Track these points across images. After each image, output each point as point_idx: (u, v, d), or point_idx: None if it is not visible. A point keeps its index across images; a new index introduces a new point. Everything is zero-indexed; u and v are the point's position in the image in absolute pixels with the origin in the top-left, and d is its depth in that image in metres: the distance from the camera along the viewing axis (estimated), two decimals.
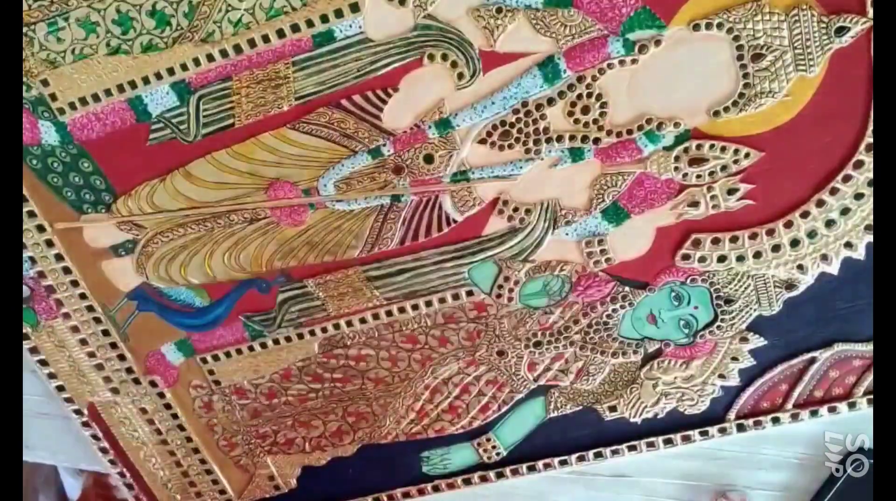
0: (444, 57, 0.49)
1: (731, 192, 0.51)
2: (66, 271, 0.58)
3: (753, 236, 0.52)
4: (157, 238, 0.56)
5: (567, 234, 0.54)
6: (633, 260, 0.54)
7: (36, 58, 0.51)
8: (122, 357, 0.61)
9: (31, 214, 0.56)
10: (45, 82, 0.51)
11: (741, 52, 0.47)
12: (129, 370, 0.62)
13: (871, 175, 0.49)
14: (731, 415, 0.59)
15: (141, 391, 0.63)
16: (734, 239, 0.53)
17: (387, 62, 0.50)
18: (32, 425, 0.67)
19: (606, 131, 0.51)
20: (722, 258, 0.53)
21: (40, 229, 0.56)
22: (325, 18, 0.48)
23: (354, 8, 0.48)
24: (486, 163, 0.52)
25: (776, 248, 0.52)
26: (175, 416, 0.64)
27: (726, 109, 0.49)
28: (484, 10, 0.48)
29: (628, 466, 0.62)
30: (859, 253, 0.52)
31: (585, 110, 0.50)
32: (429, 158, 0.52)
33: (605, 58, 0.49)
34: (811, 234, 0.52)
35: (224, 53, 0.50)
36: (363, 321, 0.58)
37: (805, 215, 0.51)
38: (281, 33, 0.49)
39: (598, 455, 0.61)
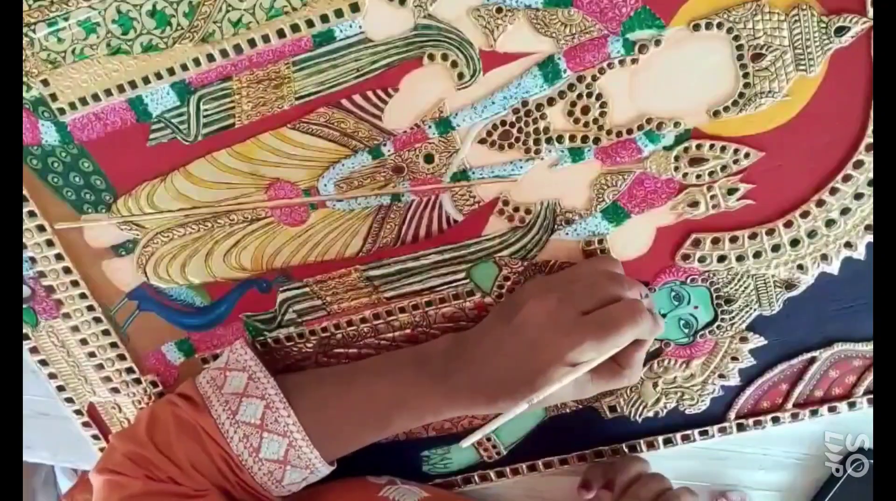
0: (445, 57, 0.49)
1: (731, 192, 0.51)
2: (67, 271, 0.58)
3: (753, 236, 0.52)
4: (157, 238, 0.56)
5: (567, 234, 0.54)
6: (633, 260, 0.54)
7: (36, 58, 0.51)
8: (122, 357, 0.61)
9: (32, 214, 0.56)
10: (45, 82, 0.51)
11: (741, 51, 0.47)
12: (130, 370, 0.62)
13: (871, 175, 0.49)
14: (731, 415, 0.59)
15: (141, 390, 0.63)
16: (734, 239, 0.53)
17: (387, 62, 0.50)
18: (32, 425, 0.67)
19: (606, 131, 0.51)
20: (722, 258, 0.53)
21: (40, 229, 0.56)
22: (325, 18, 0.48)
23: (354, 8, 0.48)
24: (486, 163, 0.52)
25: (776, 248, 0.52)
26: None
27: (726, 109, 0.49)
28: (484, 10, 0.48)
29: None
30: (859, 253, 0.52)
31: (585, 110, 0.50)
32: (429, 158, 0.53)
33: (605, 58, 0.49)
34: (811, 234, 0.52)
35: (224, 53, 0.50)
36: (363, 320, 0.58)
37: (805, 214, 0.51)
38: (281, 33, 0.49)
39: (598, 455, 0.61)
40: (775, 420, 0.58)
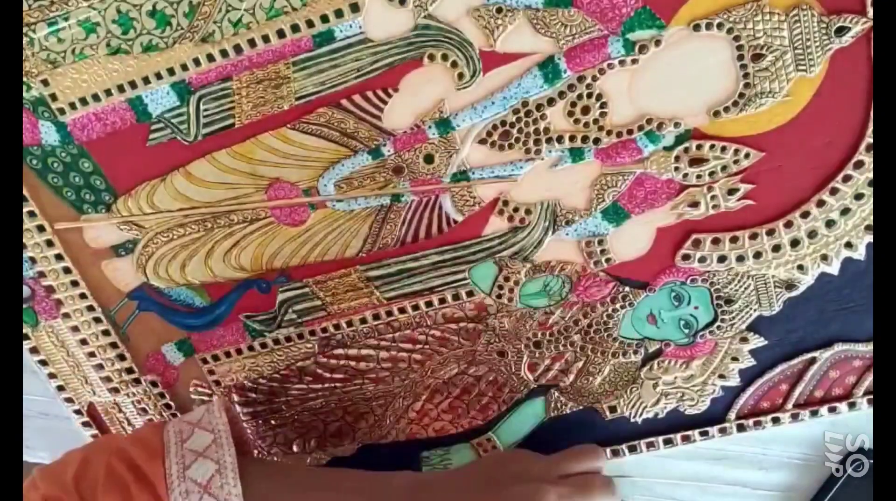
0: (445, 57, 0.49)
1: (731, 192, 0.51)
2: (66, 271, 0.58)
3: (753, 237, 0.52)
4: (157, 238, 0.56)
5: (567, 234, 0.54)
6: (634, 260, 0.54)
7: (36, 58, 0.51)
8: (122, 357, 0.61)
9: (31, 214, 0.56)
10: (45, 82, 0.51)
11: (741, 52, 0.47)
12: (129, 370, 0.62)
13: (871, 175, 0.49)
14: (732, 415, 0.59)
15: (141, 391, 0.63)
16: (734, 239, 0.53)
17: (387, 62, 0.50)
18: (32, 425, 0.67)
19: (606, 131, 0.51)
20: (722, 259, 0.53)
21: (40, 229, 0.56)
22: (325, 18, 0.48)
23: (354, 8, 0.48)
24: (486, 163, 0.52)
25: (776, 248, 0.52)
26: (175, 416, 0.64)
27: (726, 109, 0.49)
28: (484, 10, 0.48)
29: (628, 466, 0.62)
30: (859, 253, 0.52)
31: (585, 110, 0.50)
32: (429, 158, 0.53)
33: (605, 58, 0.49)
34: (811, 234, 0.52)
35: (224, 53, 0.50)
36: (363, 320, 0.58)
37: (805, 215, 0.51)
38: (281, 33, 0.49)
39: None
40: (775, 421, 0.58)
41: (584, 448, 0.57)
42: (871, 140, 0.49)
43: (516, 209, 0.54)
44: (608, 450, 0.60)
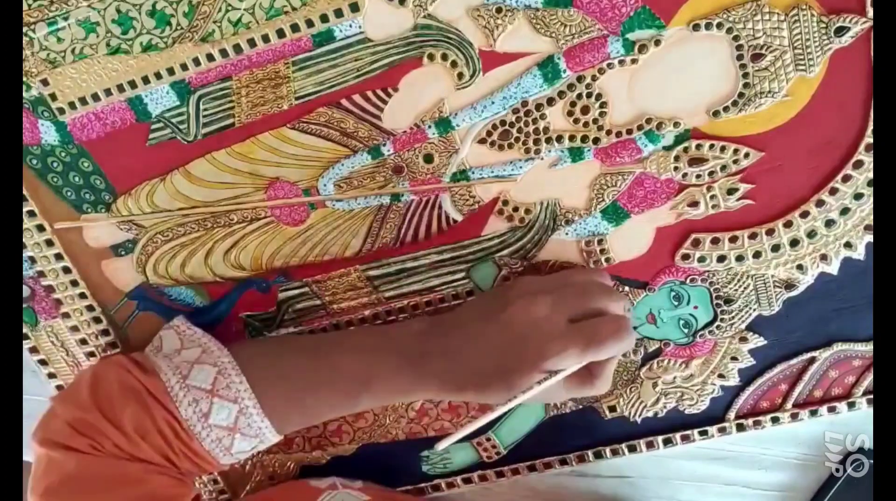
0: (444, 57, 0.49)
1: (730, 192, 0.51)
2: (66, 270, 0.58)
3: (753, 236, 0.52)
4: (157, 238, 0.57)
5: (567, 234, 0.54)
6: (633, 260, 0.54)
7: (36, 58, 0.51)
8: None
9: (31, 213, 0.56)
10: (45, 82, 0.51)
11: (741, 52, 0.47)
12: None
13: (871, 175, 0.49)
14: (731, 415, 0.59)
15: None
16: (734, 239, 0.53)
17: (387, 62, 0.50)
18: (32, 425, 0.66)
19: (606, 131, 0.51)
20: (721, 258, 0.53)
21: (40, 228, 0.56)
22: (324, 18, 0.48)
23: (354, 8, 0.48)
24: (486, 163, 0.52)
25: (776, 248, 0.52)
26: None
27: (726, 109, 0.49)
28: (484, 10, 0.48)
29: (628, 466, 0.62)
30: (859, 253, 0.52)
31: (585, 110, 0.50)
32: (429, 158, 0.53)
33: (604, 58, 0.49)
34: (811, 234, 0.52)
35: (224, 53, 0.50)
36: (363, 320, 0.58)
37: (805, 215, 0.51)
38: (281, 33, 0.49)
39: (598, 455, 0.61)
40: (775, 420, 0.58)
41: (590, 282, 0.50)
42: (871, 140, 0.49)
43: (516, 209, 0.54)
44: (608, 450, 0.60)
